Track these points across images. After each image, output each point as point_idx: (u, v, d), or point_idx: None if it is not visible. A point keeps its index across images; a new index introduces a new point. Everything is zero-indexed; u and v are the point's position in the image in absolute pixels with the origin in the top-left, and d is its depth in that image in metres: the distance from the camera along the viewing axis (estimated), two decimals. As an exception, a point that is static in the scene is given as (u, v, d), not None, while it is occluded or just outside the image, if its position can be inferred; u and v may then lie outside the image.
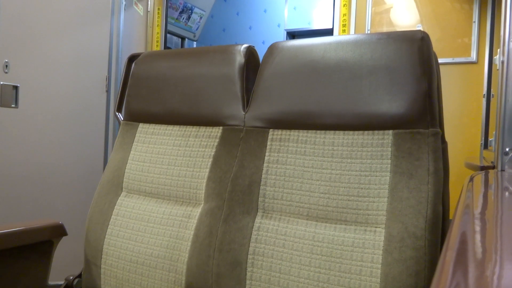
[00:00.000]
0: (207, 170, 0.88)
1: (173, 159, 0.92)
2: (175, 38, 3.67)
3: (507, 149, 0.85)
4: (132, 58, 1.09)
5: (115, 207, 0.94)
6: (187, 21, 3.62)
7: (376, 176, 0.73)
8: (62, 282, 0.97)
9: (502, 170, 0.85)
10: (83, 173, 1.87)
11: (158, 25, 2.51)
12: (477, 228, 0.44)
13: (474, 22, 1.91)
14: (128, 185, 0.96)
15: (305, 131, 0.82)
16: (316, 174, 0.78)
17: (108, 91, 2.02)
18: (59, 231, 0.96)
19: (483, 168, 0.96)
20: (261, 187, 0.81)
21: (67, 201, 1.79)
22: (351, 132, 0.78)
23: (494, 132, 0.93)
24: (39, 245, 0.93)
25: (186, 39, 3.77)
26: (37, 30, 1.61)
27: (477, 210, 0.54)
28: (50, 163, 1.70)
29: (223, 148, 0.88)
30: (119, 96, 1.09)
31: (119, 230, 0.91)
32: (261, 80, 0.88)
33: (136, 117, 1.02)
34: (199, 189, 0.87)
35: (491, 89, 1.84)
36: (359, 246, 0.70)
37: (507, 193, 0.67)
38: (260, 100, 0.87)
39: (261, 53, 0.92)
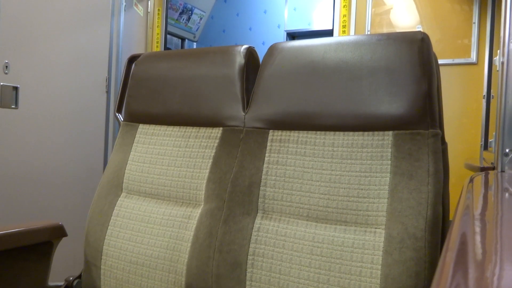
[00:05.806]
0: (207, 171, 0.88)
1: (173, 160, 0.92)
2: (175, 39, 3.68)
3: (507, 150, 0.85)
4: (132, 59, 1.09)
5: (115, 208, 0.94)
6: (187, 22, 3.63)
7: (376, 177, 0.73)
8: (62, 283, 0.97)
9: (502, 171, 0.85)
10: (83, 173, 1.87)
11: (158, 26, 2.51)
12: (477, 229, 0.44)
13: (474, 23, 1.91)
14: (128, 186, 0.96)
15: (305, 132, 0.82)
16: (316, 175, 0.77)
17: (108, 92, 2.02)
18: (59, 232, 0.96)
19: (483, 169, 0.96)
20: (261, 188, 0.81)
21: (67, 202, 1.78)
22: (351, 133, 0.78)
23: (494, 133, 0.93)
24: (39, 246, 0.93)
25: (186, 40, 3.77)
26: (37, 31, 1.61)
27: (477, 211, 0.54)
28: (50, 164, 1.70)
29: (223, 149, 0.88)
30: (119, 97, 1.09)
31: (119, 231, 0.91)
32: (261, 81, 0.88)
33: (136, 118, 1.02)
34: (199, 190, 0.87)
35: (491, 90, 1.83)
36: (359, 247, 0.70)
37: (507, 194, 0.67)
38: (260, 101, 0.87)
39: (261, 54, 0.92)
